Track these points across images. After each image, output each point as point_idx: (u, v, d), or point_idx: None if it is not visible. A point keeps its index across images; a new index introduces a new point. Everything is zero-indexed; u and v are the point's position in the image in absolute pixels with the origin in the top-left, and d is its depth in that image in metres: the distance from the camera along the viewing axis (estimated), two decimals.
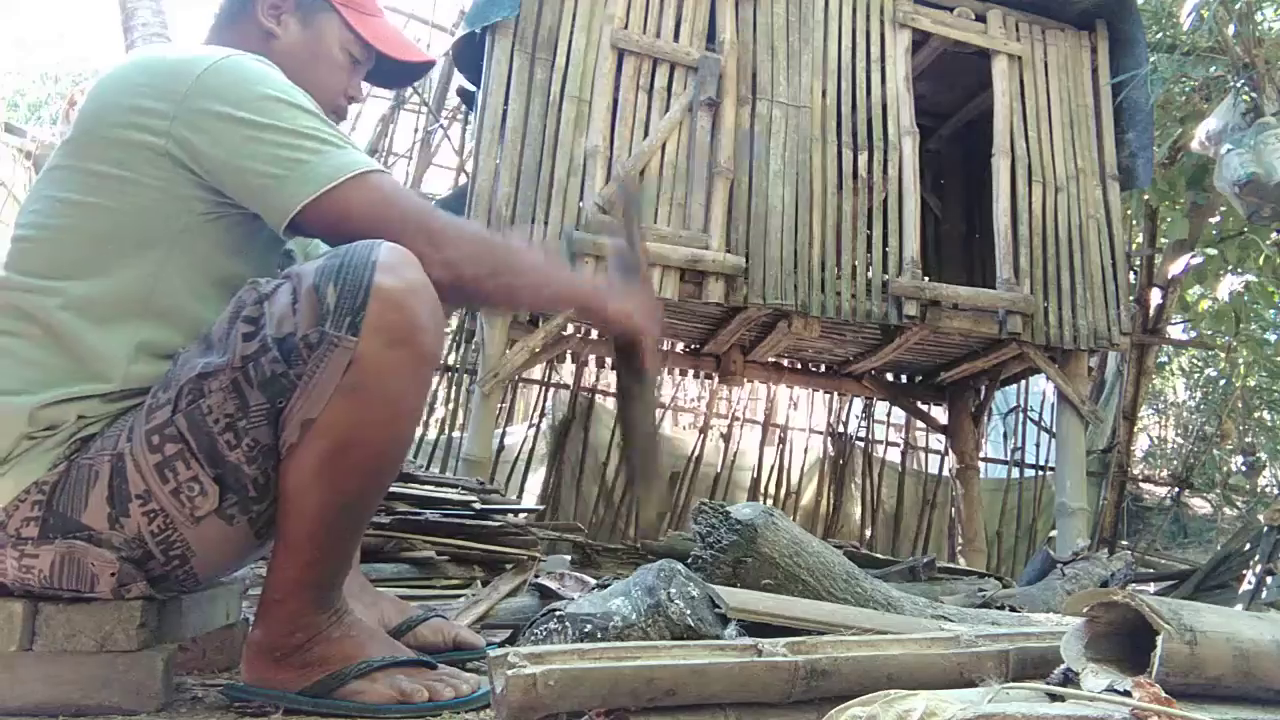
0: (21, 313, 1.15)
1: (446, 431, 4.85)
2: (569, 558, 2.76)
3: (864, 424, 6.14)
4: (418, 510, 2.07)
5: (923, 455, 6.30)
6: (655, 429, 1.62)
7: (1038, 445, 6.14)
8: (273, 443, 1.11)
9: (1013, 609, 2.21)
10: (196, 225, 1.20)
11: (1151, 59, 4.36)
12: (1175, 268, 5.84)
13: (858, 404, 6.04)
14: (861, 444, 5.99)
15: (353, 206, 1.16)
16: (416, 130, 6.20)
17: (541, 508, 3.26)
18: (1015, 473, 6.03)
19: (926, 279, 3.94)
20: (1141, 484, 7.83)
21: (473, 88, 3.92)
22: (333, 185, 1.15)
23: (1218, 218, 5.88)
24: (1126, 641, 0.87)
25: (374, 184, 1.18)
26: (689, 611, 1.06)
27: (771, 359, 4.67)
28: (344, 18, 1.43)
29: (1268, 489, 7.85)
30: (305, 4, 1.40)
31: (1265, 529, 2.49)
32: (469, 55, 3.71)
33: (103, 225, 1.17)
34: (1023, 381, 5.51)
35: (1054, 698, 0.81)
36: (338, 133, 1.21)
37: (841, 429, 5.97)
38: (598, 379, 5.33)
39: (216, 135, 1.16)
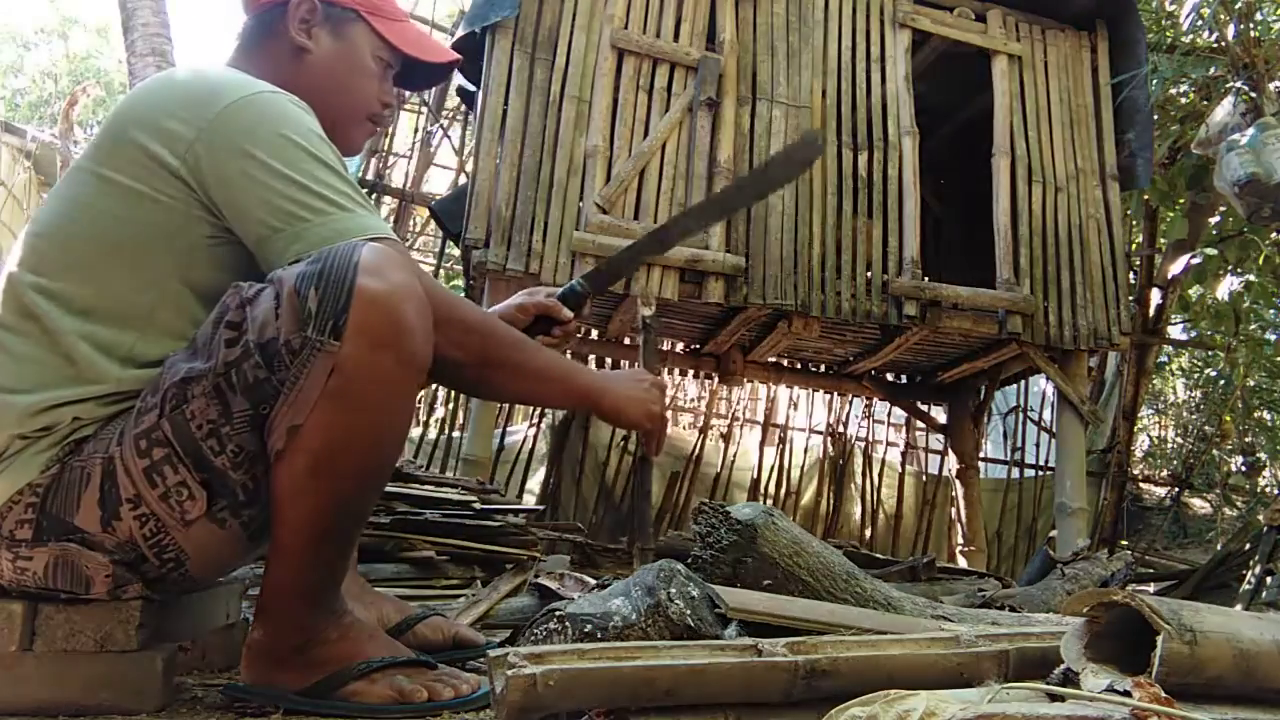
0: (25, 310, 1.15)
1: (446, 431, 4.84)
2: (569, 558, 2.76)
3: (864, 424, 6.14)
4: (418, 510, 2.07)
5: (923, 455, 6.30)
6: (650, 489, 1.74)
7: (1038, 445, 6.14)
8: (259, 449, 1.10)
9: (1013, 609, 2.21)
10: (202, 246, 1.20)
11: (1151, 59, 4.35)
12: (1175, 268, 5.84)
13: (858, 404, 6.03)
14: (861, 444, 5.98)
15: None
16: (416, 130, 6.21)
17: (541, 508, 3.27)
18: (1015, 473, 6.03)
19: (926, 279, 3.94)
20: (1141, 484, 7.83)
21: (473, 88, 3.91)
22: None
23: (1218, 218, 5.88)
24: (1126, 641, 0.87)
25: None
26: (689, 611, 1.06)
27: (771, 359, 4.67)
28: (371, 25, 1.42)
29: (1268, 489, 7.84)
30: (334, 15, 1.39)
31: (1265, 529, 2.49)
32: (469, 55, 3.70)
33: (110, 233, 1.17)
34: (1023, 381, 5.51)
35: (1054, 698, 0.81)
36: (353, 193, 1.19)
37: (841, 429, 5.97)
38: None
39: (228, 170, 1.16)
